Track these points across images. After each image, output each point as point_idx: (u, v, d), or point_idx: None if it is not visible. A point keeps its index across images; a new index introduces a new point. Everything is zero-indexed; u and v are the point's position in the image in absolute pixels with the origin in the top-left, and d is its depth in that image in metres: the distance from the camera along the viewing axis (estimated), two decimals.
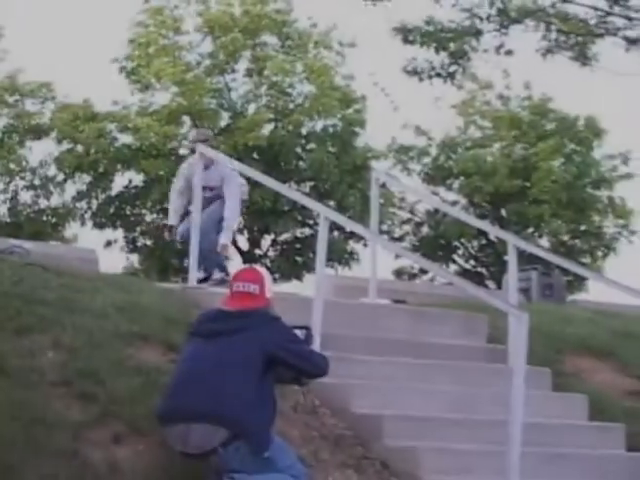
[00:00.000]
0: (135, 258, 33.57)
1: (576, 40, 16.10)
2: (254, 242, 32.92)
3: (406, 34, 17.57)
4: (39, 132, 31.50)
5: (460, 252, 37.55)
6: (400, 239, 36.29)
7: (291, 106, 32.08)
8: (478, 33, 17.18)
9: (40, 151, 31.76)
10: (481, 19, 17.17)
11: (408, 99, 51.22)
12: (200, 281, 10.72)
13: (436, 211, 33.93)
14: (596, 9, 15.98)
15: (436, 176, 36.80)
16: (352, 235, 29.57)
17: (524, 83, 36.58)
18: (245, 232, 32.76)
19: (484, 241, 36.23)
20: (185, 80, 30.71)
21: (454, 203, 35.16)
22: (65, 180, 31.67)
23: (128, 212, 32.12)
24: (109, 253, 31.84)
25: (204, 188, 10.85)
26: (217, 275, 11.27)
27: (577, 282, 32.51)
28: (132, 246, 32.76)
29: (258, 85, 32.18)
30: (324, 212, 8.85)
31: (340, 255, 31.55)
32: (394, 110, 35.61)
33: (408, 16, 18.10)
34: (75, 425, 6.53)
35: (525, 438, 7.09)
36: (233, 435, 6.05)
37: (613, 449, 8.50)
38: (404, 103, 46.62)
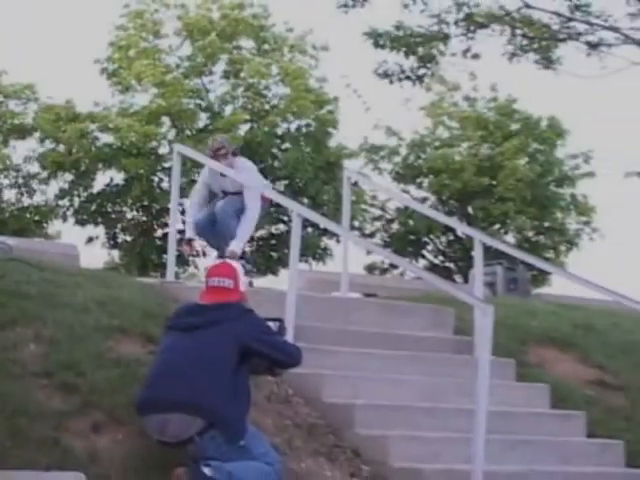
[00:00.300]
0: (116, 254, 33.53)
1: (540, 44, 16.13)
2: None
3: (376, 39, 17.59)
4: (23, 132, 31.35)
5: (429, 248, 37.61)
6: (371, 235, 36.32)
7: (267, 107, 32.09)
8: (446, 38, 17.21)
9: (24, 150, 31.64)
10: (448, 24, 17.21)
11: (379, 101, 51.25)
12: None
13: (406, 208, 33.96)
14: (559, 15, 16.03)
15: (406, 174, 36.86)
16: (325, 231, 29.57)
17: (490, 85, 36.69)
18: None
19: (452, 237, 36.29)
20: (165, 82, 30.65)
21: (423, 200, 35.21)
22: (48, 177, 31.57)
23: (109, 209, 32.03)
24: (91, 249, 31.79)
25: (223, 193, 10.66)
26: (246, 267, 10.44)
27: (541, 276, 32.63)
28: (113, 242, 32.70)
29: (235, 87, 32.14)
30: (297, 209, 8.85)
31: (314, 251, 31.56)
32: (366, 111, 35.76)
33: (379, 21, 18.13)
34: (56, 415, 6.51)
35: (490, 426, 7.11)
36: (209, 424, 6.05)
37: (574, 436, 8.53)
38: (375, 104, 46.53)
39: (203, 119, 31.85)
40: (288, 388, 7.92)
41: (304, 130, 32.16)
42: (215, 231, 10.69)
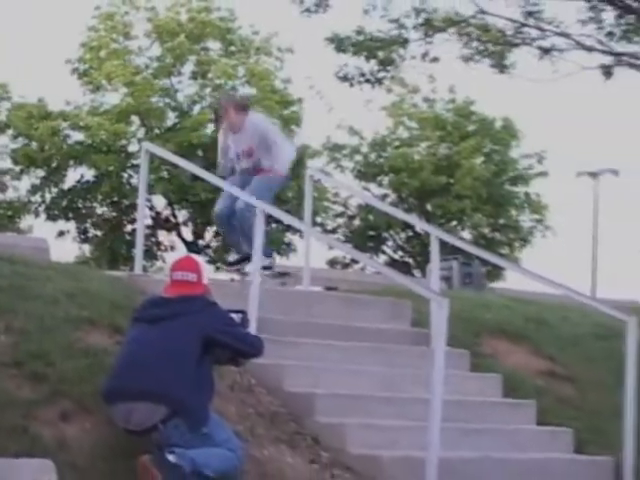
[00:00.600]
0: (87, 248, 33.43)
1: (494, 49, 16.21)
2: (198, 233, 32.85)
3: (338, 43, 17.60)
4: None
5: (389, 243, 37.73)
6: (333, 231, 36.38)
7: None
8: (405, 42, 17.25)
9: None
10: (407, 29, 17.25)
11: (342, 101, 51.31)
12: (238, 262, 10.09)
13: (367, 205, 34.02)
14: (512, 21, 16.10)
15: (367, 173, 36.95)
16: (289, 227, 29.58)
17: (448, 87, 36.83)
18: (189, 224, 32.71)
19: (411, 233, 36.42)
20: (134, 82, 30.58)
21: (384, 198, 35.31)
22: (21, 173, 31.42)
23: (80, 205, 31.95)
24: (63, 243, 31.69)
25: (237, 156, 10.09)
26: (265, 262, 9.61)
27: (496, 271, 32.78)
28: (84, 237, 32.61)
29: (203, 87, 32.11)
30: (260, 206, 8.82)
31: (278, 246, 31.55)
32: (329, 112, 35.90)
33: (341, 26, 18.13)
34: (26, 404, 6.47)
35: (445, 414, 7.12)
36: (172, 413, 6.04)
37: (525, 424, 8.57)
38: (338, 105, 46.71)
39: (172, 118, 31.79)
40: (251, 378, 7.91)
41: None
42: (232, 226, 10.09)
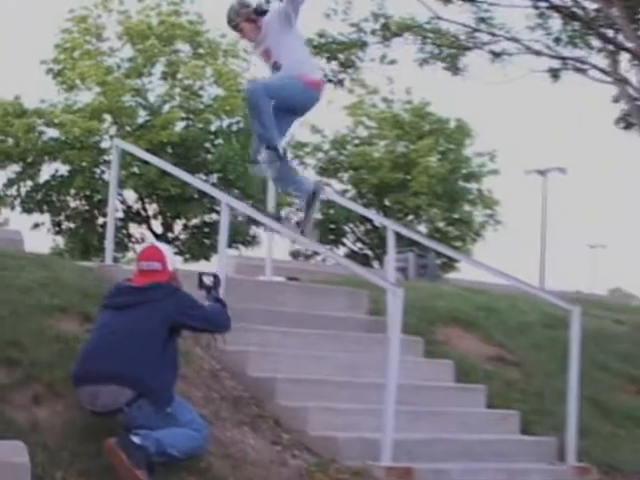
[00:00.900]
0: (61, 240, 33.27)
1: (448, 53, 16.27)
2: (167, 226, 32.77)
3: None
4: None
5: (349, 236, 37.78)
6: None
7: (201, 106, 31.98)
8: (364, 45, 17.28)
9: None
10: (366, 33, 17.27)
11: None
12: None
13: (328, 200, 34.03)
14: (465, 26, 16.17)
15: (328, 169, 36.99)
16: (254, 221, 29.54)
17: (406, 89, 36.88)
18: (159, 217, 32.62)
19: (370, 227, 36.48)
20: (106, 81, 30.46)
21: (344, 193, 35.35)
22: None
23: (54, 198, 31.79)
24: (38, 235, 31.54)
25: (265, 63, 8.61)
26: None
27: (450, 263, 32.94)
28: (58, 229, 32.44)
29: (172, 87, 31.99)
30: (225, 199, 8.80)
31: (244, 238, 31.55)
32: None
33: (304, 29, 18.09)
34: (0, 388, 6.42)
35: (400, 398, 7.14)
36: (137, 395, 6.02)
37: (475, 407, 8.60)
38: None
39: (143, 116, 31.66)
40: (216, 363, 7.89)
41: (235, 127, 32.11)
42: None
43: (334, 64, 17.49)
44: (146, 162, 19.46)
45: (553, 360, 9.61)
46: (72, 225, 32.26)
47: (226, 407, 7.32)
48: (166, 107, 31.80)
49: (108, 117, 31.11)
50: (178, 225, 32.75)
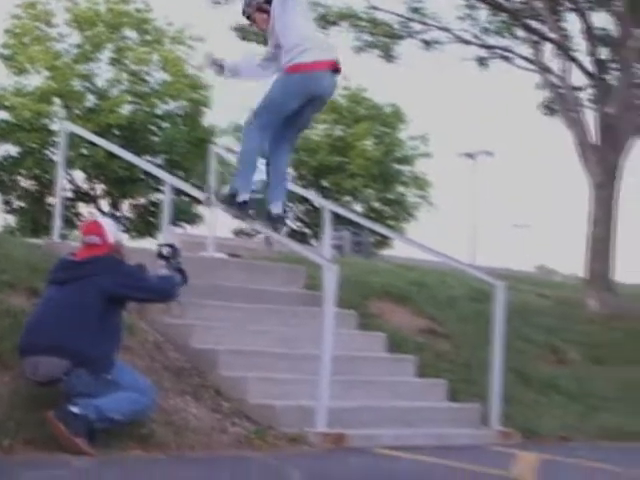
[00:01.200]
0: (12, 218, 32.90)
1: (383, 41, 16.29)
2: (115, 206, 32.55)
3: (243, 32, 17.50)
4: None
5: (289, 215, 37.77)
6: None
7: (148, 91, 31.77)
8: None
9: None
10: None
11: (247, 85, 51.06)
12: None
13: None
14: (399, 15, 16.21)
15: None
16: (199, 200, 29.41)
17: (343, 75, 36.84)
18: (107, 197, 32.40)
19: (309, 207, 36.50)
20: (55, 66, 30.13)
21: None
22: None
23: (5, 178, 31.43)
24: None
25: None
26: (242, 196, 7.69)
27: (385, 241, 33.06)
28: (9, 208, 32.08)
29: (120, 72, 31.72)
30: (169, 180, 8.77)
31: (188, 217, 31.43)
32: (235, 95, 35.64)
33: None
34: None
35: (335, 368, 7.17)
36: (75, 364, 5.98)
37: (406, 376, 8.66)
38: (243, 89, 46.45)
39: (91, 100, 31.36)
40: (160, 336, 7.85)
41: (180, 111, 31.97)
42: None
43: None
44: (94, 144, 19.24)
45: (480, 332, 9.69)
46: (22, 204, 31.92)
47: (169, 377, 7.29)
48: (114, 91, 31.52)
49: (57, 100, 30.78)
50: (125, 204, 32.56)
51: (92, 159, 29.36)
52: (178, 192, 9.51)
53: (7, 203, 31.81)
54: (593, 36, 15.47)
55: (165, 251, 6.78)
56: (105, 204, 32.49)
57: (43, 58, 29.93)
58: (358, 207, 36.37)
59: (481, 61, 16.30)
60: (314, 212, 35.86)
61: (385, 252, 30.35)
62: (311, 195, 22.13)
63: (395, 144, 37.06)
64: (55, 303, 6.17)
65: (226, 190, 7.81)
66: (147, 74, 32.04)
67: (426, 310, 10.59)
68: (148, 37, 32.36)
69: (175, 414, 6.77)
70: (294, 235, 33.43)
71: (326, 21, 16.63)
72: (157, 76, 32.26)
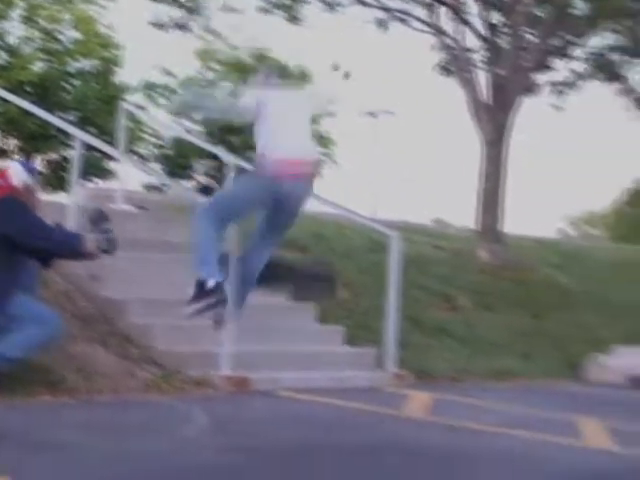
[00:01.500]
0: None
1: (287, 2, 16.18)
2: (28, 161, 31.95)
3: None
4: None
5: (199, 170, 37.52)
6: (150, 159, 35.96)
7: (60, 49, 31.16)
8: None
9: None
10: None
11: (158, 45, 50.32)
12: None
13: (179, 137, 33.68)
14: None
15: (179, 109, 36.48)
16: (111, 156, 29.01)
17: (249, 36, 36.61)
18: (20, 153, 31.75)
19: (218, 162, 36.28)
20: None
21: (193, 131, 35.01)
22: None
23: None
24: None
25: None
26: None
27: None
28: None
29: (32, 31, 31.01)
30: (79, 135, 8.64)
31: (100, 171, 31.00)
32: (146, 54, 35.13)
33: None
34: None
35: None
36: None
37: (307, 323, 8.75)
38: (155, 48, 45.77)
39: (3, 57, 30.58)
40: (71, 286, 7.78)
41: (92, 69, 31.48)
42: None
43: (182, 11, 17.20)
44: (6, 100, 18.79)
45: (377, 281, 9.79)
46: None
47: (79, 325, 7.24)
48: (26, 49, 30.78)
49: None
50: (38, 159, 31.96)
51: (5, 115, 28.68)
52: (90, 148, 9.34)
53: None
54: (485, 1, 15.61)
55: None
56: (19, 159, 31.89)
57: None
58: None
59: (380, 23, 16.31)
60: (222, 168, 35.68)
61: None
62: (219, 151, 21.94)
63: None
64: None
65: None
66: (59, 32, 31.37)
67: (325, 260, 10.65)
68: None
69: (84, 360, 6.73)
70: (204, 189, 33.22)
71: None
72: (69, 34, 31.63)
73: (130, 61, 50.52)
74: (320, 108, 6.20)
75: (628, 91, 17.56)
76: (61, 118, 15.46)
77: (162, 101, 36.42)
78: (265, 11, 16.36)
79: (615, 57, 16.88)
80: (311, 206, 7.45)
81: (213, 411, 6.16)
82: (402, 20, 16.02)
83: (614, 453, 5.73)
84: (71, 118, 29.67)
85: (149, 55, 36.25)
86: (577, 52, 16.73)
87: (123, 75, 32.29)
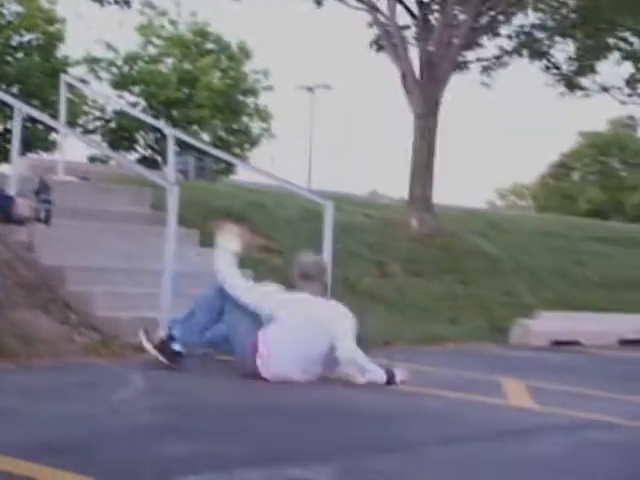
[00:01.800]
0: None
1: None
2: None
3: None
4: None
5: (140, 143, 37.14)
6: (93, 132, 35.49)
7: (3, 23, 30.50)
8: None
9: None
10: None
11: (101, 20, 49.60)
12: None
13: (121, 110, 33.29)
14: None
15: (121, 83, 36.05)
16: (54, 128, 28.58)
17: (190, 11, 36.27)
18: None
19: (159, 135, 35.92)
20: None
21: (135, 105, 34.63)
22: None
23: None
24: None
25: None
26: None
27: (229, 168, 32.91)
28: None
29: None
30: (19, 106, 8.46)
31: (43, 144, 30.55)
32: (88, 29, 34.66)
33: None
34: None
35: (176, 282, 7.12)
36: None
37: None
38: (98, 23, 45.16)
39: None
40: (12, 255, 7.62)
41: (35, 43, 30.88)
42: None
43: None
44: None
45: (312, 249, 9.78)
46: None
47: (19, 292, 7.11)
48: None
49: None
50: None
51: None
52: (33, 121, 9.17)
53: None
54: None
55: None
56: None
57: None
58: (206, 136, 35.99)
59: None
60: (164, 140, 35.37)
61: (230, 177, 30.20)
62: (159, 124, 21.70)
63: (240, 77, 36.74)
64: None
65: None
66: (2, 6, 30.68)
67: (263, 229, 10.62)
68: None
69: (25, 326, 6.62)
70: (145, 162, 32.92)
71: None
72: (12, 8, 30.97)
73: (73, 36, 49.65)
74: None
75: (552, 68, 17.70)
76: (4, 91, 15.17)
77: (106, 75, 35.99)
78: None
79: (540, 35, 16.99)
80: (250, 177, 7.39)
81: (148, 375, 6.09)
82: None
83: (534, 411, 5.80)
84: (14, 91, 29.15)
85: (92, 30, 35.75)
86: (504, 30, 16.82)
87: (66, 50, 31.83)
